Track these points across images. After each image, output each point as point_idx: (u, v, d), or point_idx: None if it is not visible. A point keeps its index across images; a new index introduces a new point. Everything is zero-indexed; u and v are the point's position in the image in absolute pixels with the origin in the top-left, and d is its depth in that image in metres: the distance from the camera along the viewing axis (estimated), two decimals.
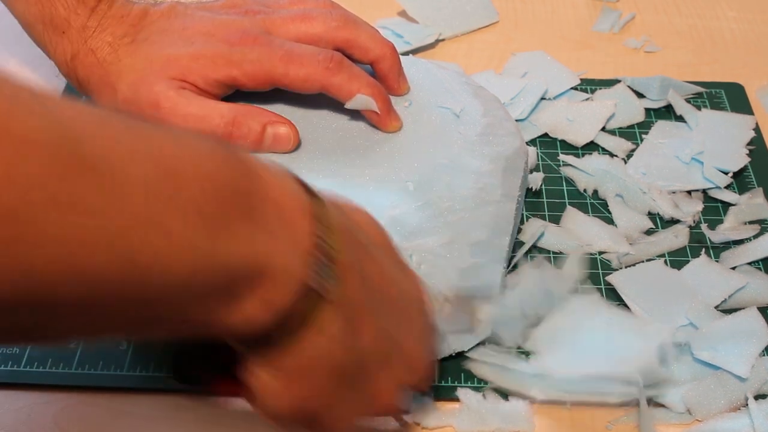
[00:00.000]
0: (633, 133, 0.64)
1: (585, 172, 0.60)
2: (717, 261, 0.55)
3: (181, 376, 0.38)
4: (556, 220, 0.58)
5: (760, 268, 0.55)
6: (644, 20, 0.75)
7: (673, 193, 0.59)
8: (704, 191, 0.60)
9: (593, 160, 0.61)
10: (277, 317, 0.32)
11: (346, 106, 0.51)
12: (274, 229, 0.31)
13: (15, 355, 0.49)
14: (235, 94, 0.52)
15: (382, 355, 0.38)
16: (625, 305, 0.52)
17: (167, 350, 0.37)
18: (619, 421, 0.47)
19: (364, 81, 0.51)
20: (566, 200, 0.60)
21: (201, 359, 0.38)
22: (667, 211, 0.57)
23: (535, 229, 0.56)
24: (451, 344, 0.49)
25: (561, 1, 0.77)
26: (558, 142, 0.64)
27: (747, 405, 0.47)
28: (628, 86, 0.67)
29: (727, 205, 0.59)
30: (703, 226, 0.57)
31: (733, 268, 0.55)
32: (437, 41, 0.72)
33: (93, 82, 0.52)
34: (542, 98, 0.66)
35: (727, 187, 0.60)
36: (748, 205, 0.58)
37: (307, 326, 0.33)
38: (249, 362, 0.35)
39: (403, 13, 0.73)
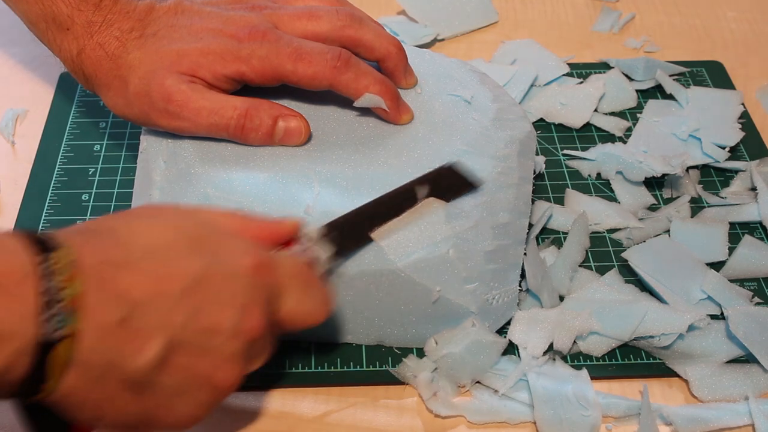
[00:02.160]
0: (625, 113, 0.66)
1: (587, 159, 0.61)
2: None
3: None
4: (559, 201, 0.59)
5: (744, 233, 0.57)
6: (644, 20, 0.75)
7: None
8: (702, 167, 0.61)
9: (596, 150, 0.62)
10: (21, 375, 0.34)
11: (354, 104, 0.51)
12: None
13: None
14: (248, 87, 0.52)
15: (182, 347, 0.38)
16: (639, 281, 0.53)
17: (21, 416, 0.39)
18: (619, 423, 0.48)
19: (372, 78, 0.51)
20: (568, 182, 0.61)
21: (47, 415, 0.38)
22: (657, 168, 0.58)
23: (543, 211, 0.57)
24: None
25: (561, 1, 0.77)
26: (554, 126, 0.65)
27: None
28: (613, 67, 0.68)
29: (725, 179, 0.61)
30: (699, 188, 0.59)
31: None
32: (435, 41, 0.72)
33: (101, 76, 0.51)
34: (532, 85, 0.67)
35: (725, 161, 0.61)
36: (760, 171, 0.60)
37: (66, 368, 0.35)
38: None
39: (404, 12, 0.73)
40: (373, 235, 0.48)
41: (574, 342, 0.50)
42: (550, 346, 0.50)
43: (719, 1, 0.78)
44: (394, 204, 0.48)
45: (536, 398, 0.47)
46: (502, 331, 0.51)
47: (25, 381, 0.35)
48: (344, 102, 0.53)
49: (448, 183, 0.49)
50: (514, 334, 0.50)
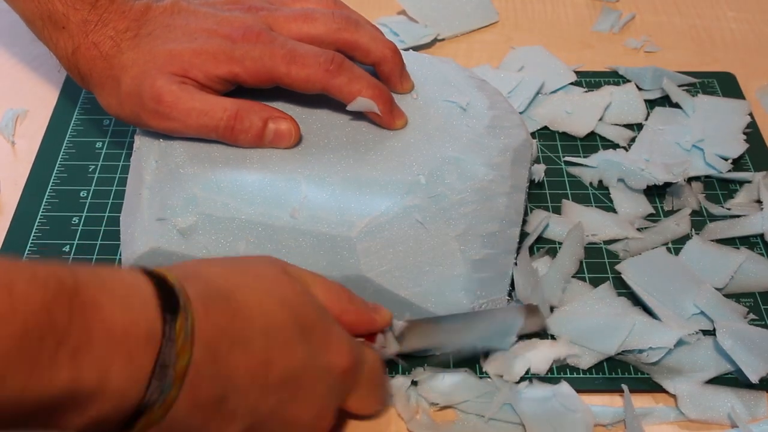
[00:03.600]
0: (631, 122, 0.65)
1: (589, 166, 0.61)
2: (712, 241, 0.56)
3: None
4: (558, 211, 0.58)
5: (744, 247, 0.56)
6: (644, 20, 0.75)
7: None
8: (704, 179, 0.60)
9: (597, 157, 0.61)
10: (112, 425, 0.34)
11: (347, 109, 0.51)
12: (105, 358, 0.33)
13: None
14: (242, 90, 0.52)
15: (260, 430, 0.39)
16: (633, 294, 0.52)
17: None
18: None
19: (365, 82, 0.51)
20: (568, 191, 0.60)
21: None
22: (659, 176, 0.58)
23: (539, 220, 0.56)
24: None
25: (561, 1, 0.77)
26: (557, 135, 0.64)
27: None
28: (622, 76, 0.68)
29: (729, 192, 0.60)
30: (701, 197, 0.58)
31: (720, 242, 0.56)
32: (435, 41, 0.72)
33: (95, 76, 0.52)
34: (538, 93, 0.66)
35: (728, 172, 0.60)
36: (765, 183, 0.59)
37: (150, 427, 0.35)
38: None
39: (404, 12, 0.73)
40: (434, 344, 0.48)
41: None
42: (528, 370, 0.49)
43: (719, 1, 0.77)
44: (470, 327, 0.49)
45: (525, 418, 0.46)
46: None
47: (111, 429, 0.35)
48: (337, 106, 0.52)
49: (526, 321, 0.49)
50: (490, 363, 0.49)
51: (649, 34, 0.73)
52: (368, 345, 0.45)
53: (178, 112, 0.50)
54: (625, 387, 0.48)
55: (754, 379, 0.47)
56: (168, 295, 0.35)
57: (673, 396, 0.48)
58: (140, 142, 0.53)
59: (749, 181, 0.60)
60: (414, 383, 0.48)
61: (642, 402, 0.48)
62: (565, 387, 0.47)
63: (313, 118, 0.53)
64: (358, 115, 0.53)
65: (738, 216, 0.57)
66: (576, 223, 0.56)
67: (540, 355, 0.49)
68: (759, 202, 0.58)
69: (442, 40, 0.72)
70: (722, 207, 0.58)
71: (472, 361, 0.49)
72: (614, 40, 0.73)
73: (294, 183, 0.49)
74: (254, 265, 0.43)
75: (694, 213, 0.58)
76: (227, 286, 0.39)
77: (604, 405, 0.48)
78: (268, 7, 0.54)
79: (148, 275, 0.36)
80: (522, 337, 0.50)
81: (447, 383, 0.48)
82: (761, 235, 0.56)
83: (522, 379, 0.48)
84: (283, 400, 0.39)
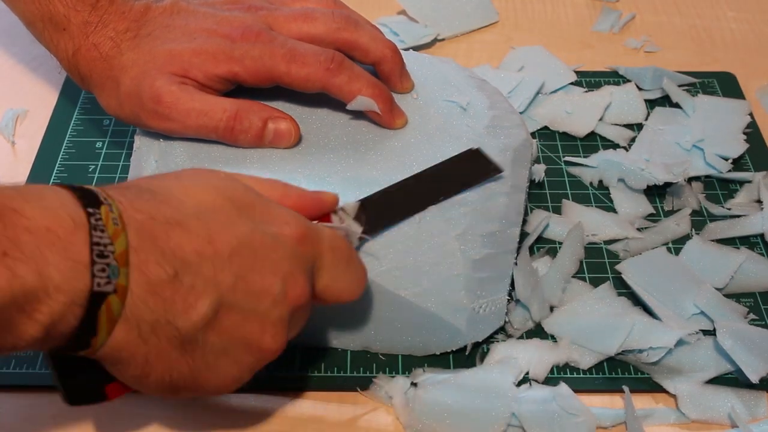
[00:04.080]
0: (631, 122, 0.65)
1: (589, 166, 0.61)
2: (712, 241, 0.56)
3: (76, 398, 0.39)
4: (558, 211, 0.58)
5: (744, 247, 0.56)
6: (644, 20, 0.75)
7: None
8: (704, 179, 0.60)
9: (597, 157, 0.61)
10: (72, 328, 0.35)
11: (347, 107, 0.51)
12: (37, 256, 0.33)
13: (17, 356, 0.49)
14: (242, 90, 0.52)
15: (231, 308, 0.38)
16: (633, 294, 0.52)
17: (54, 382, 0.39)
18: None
19: (365, 81, 0.51)
20: (568, 191, 0.60)
21: (81, 375, 0.39)
22: (659, 176, 0.58)
23: (539, 220, 0.56)
24: (466, 335, 0.49)
25: (561, 1, 0.77)
26: (558, 135, 0.64)
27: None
28: (622, 76, 0.68)
29: (729, 192, 0.60)
30: (702, 197, 0.58)
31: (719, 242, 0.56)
32: (435, 41, 0.72)
33: (95, 77, 0.52)
34: (539, 92, 0.66)
35: (728, 172, 0.60)
36: (765, 183, 0.59)
37: (115, 322, 0.35)
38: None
39: (404, 12, 0.73)
40: (399, 215, 0.48)
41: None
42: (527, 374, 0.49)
43: (719, 1, 0.77)
44: (422, 185, 0.49)
45: (525, 422, 0.46)
46: (490, 339, 0.50)
47: (75, 333, 0.35)
48: (337, 105, 0.52)
49: (474, 166, 0.50)
50: (490, 365, 0.49)
51: (649, 34, 0.73)
52: (324, 225, 0.44)
53: (178, 112, 0.50)
54: (626, 388, 0.48)
55: (754, 379, 0.47)
56: (86, 195, 0.36)
57: (674, 396, 0.48)
58: (140, 142, 0.53)
59: (749, 181, 0.60)
60: (414, 384, 0.48)
61: (642, 402, 0.48)
62: (564, 389, 0.47)
63: (313, 117, 0.53)
64: (358, 115, 0.53)
65: (738, 216, 0.57)
66: (576, 223, 0.56)
67: (539, 360, 0.49)
68: (759, 202, 0.58)
69: (442, 40, 0.72)
70: (722, 207, 0.58)
71: (469, 363, 0.49)
72: (614, 40, 0.73)
73: (294, 183, 0.49)
74: (181, 172, 0.43)
75: (694, 213, 0.58)
76: (151, 186, 0.39)
77: (604, 407, 0.48)
78: (267, 6, 0.54)
79: (60, 186, 0.37)
80: (520, 337, 0.50)
81: (447, 384, 0.48)
82: (761, 235, 0.56)
83: (521, 381, 0.48)
84: (242, 271, 0.39)
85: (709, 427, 0.47)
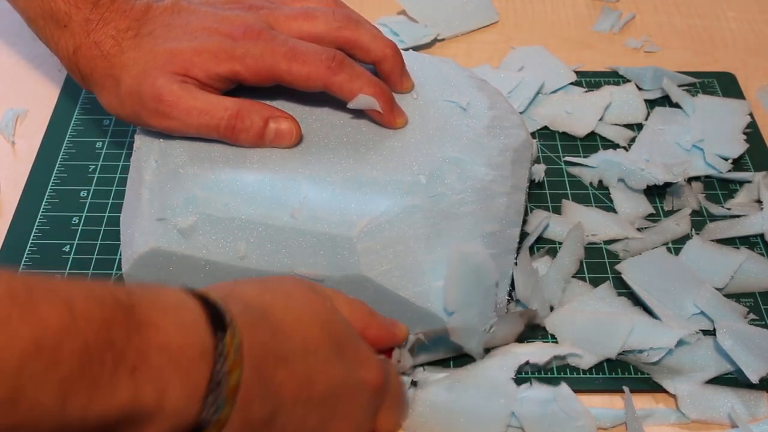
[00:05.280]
0: (631, 122, 0.65)
1: (589, 167, 0.61)
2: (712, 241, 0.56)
3: None
4: (558, 211, 0.58)
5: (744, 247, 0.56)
6: (644, 20, 0.75)
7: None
8: (704, 179, 0.60)
9: (597, 157, 0.61)
10: None
11: (348, 106, 0.51)
12: (162, 377, 0.33)
13: None
14: (242, 89, 0.52)
15: None
16: (632, 294, 0.52)
17: None
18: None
19: (366, 80, 0.51)
20: (568, 191, 0.60)
21: None
22: (659, 176, 0.58)
23: (539, 220, 0.56)
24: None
25: (561, 1, 0.77)
26: (558, 135, 0.64)
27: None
28: (622, 76, 0.68)
29: (729, 192, 0.60)
30: (701, 197, 0.58)
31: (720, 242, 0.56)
32: (435, 41, 0.72)
33: (96, 75, 0.52)
34: (539, 92, 0.66)
35: (728, 172, 0.60)
36: (765, 183, 0.59)
37: None
38: None
39: (404, 12, 0.73)
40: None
41: None
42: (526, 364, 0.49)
43: (719, 1, 0.77)
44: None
45: (525, 424, 0.46)
46: None
47: None
48: (337, 105, 0.52)
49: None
50: (490, 359, 0.49)
51: (649, 34, 0.73)
52: (388, 361, 0.45)
53: (179, 111, 0.49)
54: (626, 389, 0.48)
55: (754, 379, 0.47)
56: (214, 313, 0.35)
57: (674, 396, 0.48)
58: (140, 141, 0.53)
59: (749, 181, 0.60)
60: (413, 383, 0.48)
61: (642, 402, 0.48)
62: (565, 389, 0.47)
63: (313, 117, 0.53)
64: (358, 115, 0.53)
65: (738, 216, 0.57)
66: (576, 223, 0.56)
67: (540, 350, 0.49)
68: (759, 202, 0.58)
69: (442, 40, 0.72)
70: (722, 207, 0.58)
71: (470, 358, 0.49)
72: (614, 40, 0.73)
73: (294, 183, 0.49)
74: (282, 284, 0.42)
75: (694, 213, 0.58)
76: (263, 305, 0.39)
77: (604, 407, 0.48)
78: (268, 6, 0.54)
79: (191, 294, 0.36)
80: (521, 339, 0.50)
81: (446, 383, 0.48)
82: (761, 235, 0.56)
83: (522, 380, 0.48)
84: (325, 418, 0.39)
85: (709, 427, 0.47)
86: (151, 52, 0.50)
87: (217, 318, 0.35)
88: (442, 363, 0.50)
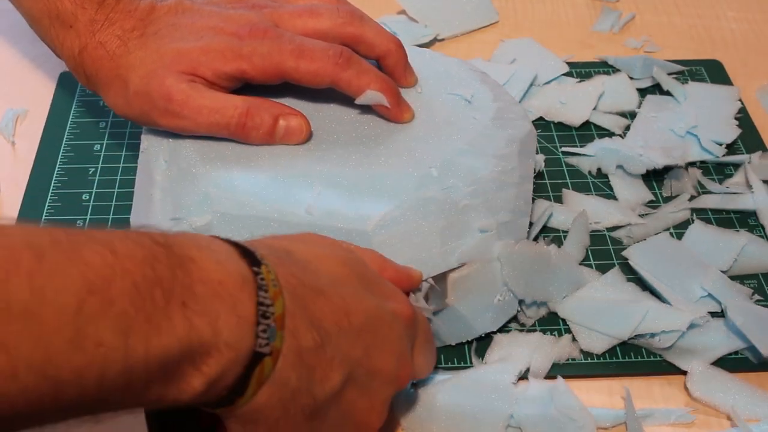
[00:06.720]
0: (624, 111, 0.66)
1: (587, 155, 0.62)
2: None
3: None
4: (559, 200, 0.59)
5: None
6: (644, 20, 0.75)
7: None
8: (700, 164, 0.62)
9: (594, 145, 0.62)
10: (228, 385, 0.34)
11: (356, 102, 0.51)
12: (211, 309, 0.33)
13: None
14: (249, 87, 0.52)
15: (354, 383, 0.39)
16: (639, 279, 0.53)
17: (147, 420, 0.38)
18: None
19: (373, 76, 0.51)
20: (568, 180, 0.61)
21: (181, 424, 0.39)
22: (658, 160, 0.59)
23: (543, 209, 0.57)
24: (478, 328, 0.50)
25: (561, 1, 0.77)
26: (553, 125, 0.65)
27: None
28: (612, 65, 0.69)
29: (723, 177, 0.61)
30: (698, 172, 0.60)
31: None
32: (435, 41, 0.72)
33: (102, 76, 0.51)
34: (532, 84, 0.67)
35: (723, 156, 0.62)
36: (761, 164, 0.60)
37: (263, 384, 0.35)
38: (224, 420, 0.37)
39: (404, 12, 0.73)
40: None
41: (574, 339, 0.50)
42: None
43: (719, 1, 0.78)
44: None
45: (524, 425, 0.46)
46: (504, 328, 0.51)
47: (227, 391, 0.34)
48: (345, 101, 0.53)
49: None
50: (493, 356, 0.50)
51: (649, 34, 0.74)
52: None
53: (189, 110, 0.49)
54: (626, 389, 0.48)
55: (766, 352, 0.48)
56: (247, 252, 0.36)
57: (684, 373, 0.49)
58: (147, 142, 0.52)
59: (747, 163, 0.61)
60: (413, 385, 0.48)
61: (655, 386, 0.49)
62: (560, 386, 0.48)
63: (321, 114, 0.53)
64: (365, 111, 0.53)
65: (735, 193, 0.59)
66: (581, 211, 0.56)
67: (540, 356, 0.49)
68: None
69: (442, 40, 0.72)
70: (719, 185, 0.60)
71: (480, 351, 0.50)
72: (614, 40, 0.73)
73: (307, 179, 0.49)
74: (302, 236, 0.43)
75: (692, 198, 0.59)
76: (288, 248, 0.39)
77: (604, 407, 0.48)
78: (272, 4, 0.54)
79: (225, 241, 0.36)
80: (532, 325, 0.51)
81: (446, 385, 0.48)
82: (754, 214, 0.58)
83: (521, 377, 0.49)
84: (368, 346, 0.39)
85: (709, 426, 0.48)
86: (157, 52, 0.50)
87: (249, 255, 0.36)
88: (443, 366, 0.50)
